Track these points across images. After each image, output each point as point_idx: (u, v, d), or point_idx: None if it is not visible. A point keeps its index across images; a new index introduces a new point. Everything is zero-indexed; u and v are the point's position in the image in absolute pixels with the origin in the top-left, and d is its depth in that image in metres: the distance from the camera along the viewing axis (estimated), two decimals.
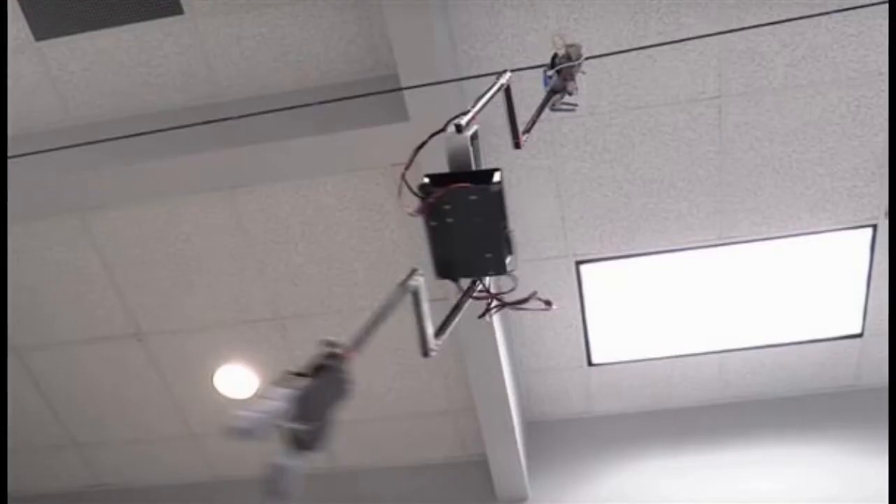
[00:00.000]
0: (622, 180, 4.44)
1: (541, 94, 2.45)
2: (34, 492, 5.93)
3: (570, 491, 5.10)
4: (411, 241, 4.52)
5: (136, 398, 5.39)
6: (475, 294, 1.97)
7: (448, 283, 1.95)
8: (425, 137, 1.89)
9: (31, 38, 4.09)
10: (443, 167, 1.88)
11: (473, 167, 1.89)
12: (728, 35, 3.84)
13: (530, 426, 5.46)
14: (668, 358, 5.16)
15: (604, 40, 3.91)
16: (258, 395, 1.26)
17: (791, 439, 5.02)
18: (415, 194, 1.83)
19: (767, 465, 4.91)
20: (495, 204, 1.83)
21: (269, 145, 3.94)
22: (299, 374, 1.36)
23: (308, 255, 4.68)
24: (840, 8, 3.40)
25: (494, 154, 4.01)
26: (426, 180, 1.84)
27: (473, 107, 1.97)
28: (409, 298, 1.70)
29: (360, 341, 1.49)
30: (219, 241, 4.65)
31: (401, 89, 3.53)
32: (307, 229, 4.59)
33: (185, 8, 3.97)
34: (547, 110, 2.43)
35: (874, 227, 4.56)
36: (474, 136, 1.91)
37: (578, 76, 2.48)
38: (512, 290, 1.97)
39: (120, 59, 4.14)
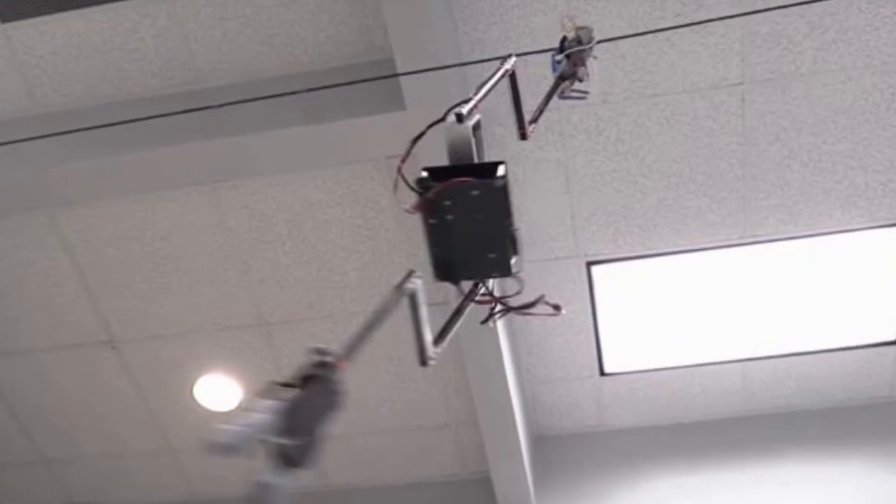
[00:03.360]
0: (637, 174, 4.44)
1: (548, 80, 2.45)
2: None
3: None
4: (408, 240, 4.52)
5: (110, 410, 5.39)
6: (477, 298, 1.97)
7: (448, 285, 1.95)
8: (423, 127, 1.89)
9: None
10: (442, 160, 1.88)
11: (476, 160, 1.89)
12: (752, 17, 3.84)
13: (537, 441, 5.46)
14: (686, 367, 5.16)
15: (617, 22, 3.92)
16: (242, 408, 1.27)
17: (820, 455, 5.02)
18: (412, 189, 1.83)
19: (795, 483, 4.91)
20: (499, 200, 1.83)
21: (254, 136, 3.94)
22: (286, 385, 1.36)
23: (296, 255, 4.68)
24: None
25: (498, 146, 4.01)
26: (424, 174, 1.84)
27: (476, 94, 1.97)
28: (405, 302, 1.70)
29: (352, 349, 1.49)
30: (199, 240, 4.65)
31: (397, 75, 3.53)
32: (295, 227, 4.59)
33: None
34: (555, 98, 2.43)
35: None
36: (477, 127, 1.92)
37: (589, 61, 2.48)
38: (517, 293, 1.97)
39: (92, 43, 4.14)
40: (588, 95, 2.52)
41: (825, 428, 5.14)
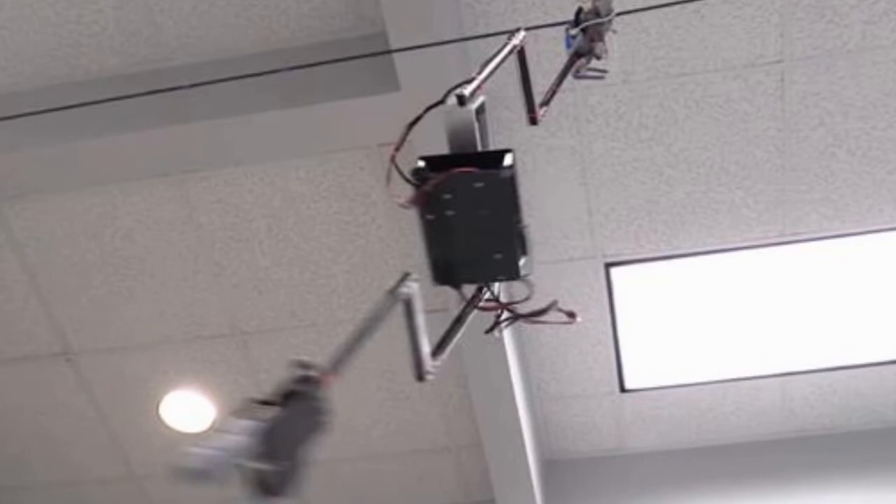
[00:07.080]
0: (662, 164, 4.45)
1: (562, 57, 2.45)
2: None
3: None
4: (403, 238, 4.53)
5: (65, 432, 5.40)
6: (481, 304, 1.97)
7: (448, 290, 1.95)
8: (420, 111, 1.89)
9: None
10: (442, 148, 1.88)
11: (479, 148, 1.89)
12: None
13: (549, 466, 5.47)
14: (718, 383, 5.17)
15: None
16: (215, 429, 1.26)
17: (870, 481, 5.03)
18: (407, 181, 1.83)
19: None
20: (506, 193, 1.83)
21: (228, 121, 3.95)
22: (265, 403, 1.36)
23: (276, 255, 4.69)
24: None
25: (506, 132, 4.02)
26: (421, 164, 1.84)
27: (479, 73, 1.97)
28: (399, 309, 1.70)
29: (339, 362, 1.49)
30: (166, 238, 4.66)
31: (390, 52, 3.53)
32: (274, 224, 4.59)
33: None
34: (570, 78, 2.44)
35: None
36: (480, 110, 1.92)
37: (608, 36, 2.48)
38: (527, 298, 1.97)
39: (45, 15, 4.14)
40: (607, 75, 2.53)
41: (875, 451, 5.15)
